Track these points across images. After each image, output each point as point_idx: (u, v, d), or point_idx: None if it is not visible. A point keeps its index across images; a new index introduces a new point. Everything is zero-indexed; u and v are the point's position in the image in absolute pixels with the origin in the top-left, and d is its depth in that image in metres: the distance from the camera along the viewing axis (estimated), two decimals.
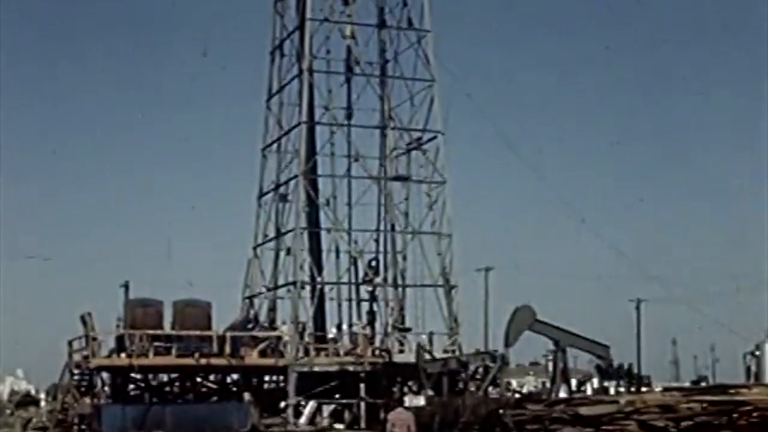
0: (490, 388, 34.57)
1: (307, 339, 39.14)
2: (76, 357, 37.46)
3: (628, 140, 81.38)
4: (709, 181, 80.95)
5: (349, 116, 42.44)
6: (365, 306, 41.67)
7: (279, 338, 38.62)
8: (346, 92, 42.52)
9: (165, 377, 40.03)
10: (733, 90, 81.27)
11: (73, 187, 78.55)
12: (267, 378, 40.48)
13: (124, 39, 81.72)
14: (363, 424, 36.47)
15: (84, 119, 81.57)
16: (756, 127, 72.81)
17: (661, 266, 67.58)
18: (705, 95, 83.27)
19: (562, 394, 32.87)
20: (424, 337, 39.98)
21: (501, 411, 27.17)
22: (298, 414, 36.91)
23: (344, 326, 41.00)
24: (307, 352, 38.42)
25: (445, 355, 37.90)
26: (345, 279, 41.98)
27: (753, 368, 44.33)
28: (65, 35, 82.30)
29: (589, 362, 42.64)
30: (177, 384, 40.07)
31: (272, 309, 42.54)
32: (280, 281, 42.51)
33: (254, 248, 44.16)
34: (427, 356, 37.00)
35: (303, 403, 37.05)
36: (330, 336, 40.23)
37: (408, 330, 40.88)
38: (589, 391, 38.78)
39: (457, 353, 38.63)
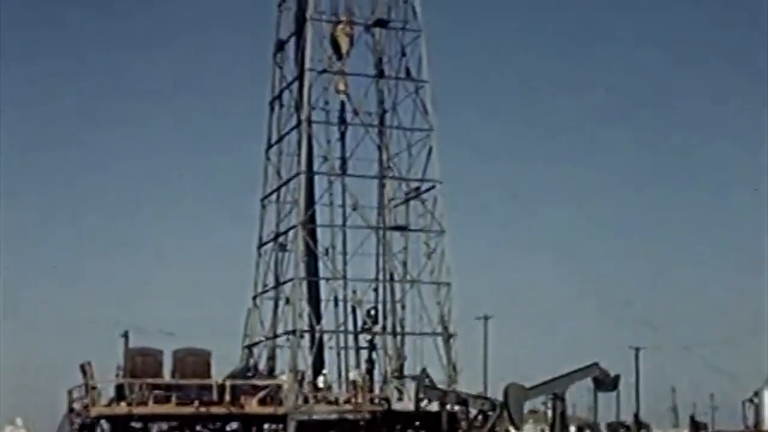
0: None
1: (306, 387, 39.20)
2: (76, 406, 37.50)
3: (627, 184, 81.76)
4: (706, 225, 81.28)
5: (344, 169, 42.68)
6: (364, 354, 41.78)
7: (278, 387, 38.67)
8: (342, 145, 42.88)
9: (165, 426, 39.99)
10: (735, 139, 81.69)
11: (73, 234, 78.66)
12: (266, 426, 40.41)
13: (123, 92, 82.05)
14: None
15: (84, 164, 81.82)
16: (756, 172, 73.18)
17: (659, 312, 67.64)
18: (706, 145, 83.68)
19: None
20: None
21: None
22: None
23: (326, 373, 40.87)
24: (306, 401, 38.47)
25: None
26: (344, 328, 42.12)
27: (751, 416, 44.41)
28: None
29: (589, 410, 42.72)
30: None
31: (271, 357, 42.63)
32: (280, 330, 42.64)
33: (254, 297, 44.35)
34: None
35: None
36: (320, 385, 40.21)
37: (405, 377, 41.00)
38: None
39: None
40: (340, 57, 42.26)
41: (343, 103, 42.60)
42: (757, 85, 76.02)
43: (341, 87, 42.28)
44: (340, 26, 42.17)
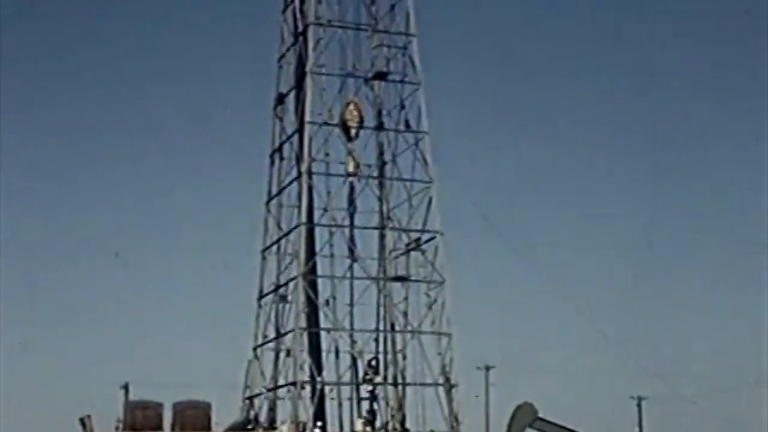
0: None
1: None
2: None
3: (627, 233, 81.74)
4: (709, 272, 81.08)
5: (351, 219, 42.87)
6: (366, 405, 41.68)
7: None
8: (348, 198, 42.95)
9: None
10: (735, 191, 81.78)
11: (72, 285, 78.66)
12: None
13: (124, 145, 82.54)
14: None
15: (84, 212, 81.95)
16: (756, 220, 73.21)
17: (661, 361, 67.41)
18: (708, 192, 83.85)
19: None
20: None
21: None
22: None
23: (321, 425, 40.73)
24: None
25: None
26: (345, 379, 42.06)
27: None
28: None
29: None
30: None
31: (272, 409, 42.51)
32: (280, 381, 42.57)
33: (254, 349, 44.34)
34: None
35: None
36: None
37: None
38: None
39: None
40: (349, 139, 42.57)
41: (352, 185, 42.70)
42: None
43: (351, 169, 42.44)
44: (350, 107, 42.49)
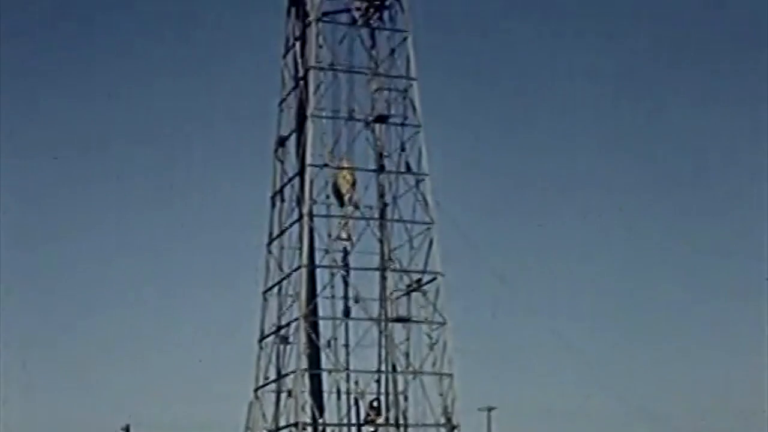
0: None
1: None
2: None
3: (627, 277, 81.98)
4: (708, 315, 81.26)
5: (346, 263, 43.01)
6: None
7: None
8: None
9: None
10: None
11: (72, 329, 78.70)
12: None
13: (125, 193, 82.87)
14: None
15: (82, 260, 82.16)
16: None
17: (663, 403, 67.38)
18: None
19: None
20: None
21: None
22: None
23: None
24: None
25: None
26: (347, 420, 42.10)
27: None
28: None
29: None
30: None
31: None
32: (282, 423, 42.62)
33: (255, 390, 44.41)
34: None
35: None
36: None
37: None
38: None
39: None
40: (342, 204, 42.85)
41: (345, 250, 42.86)
42: None
43: (343, 235, 42.71)
44: (343, 173, 42.79)
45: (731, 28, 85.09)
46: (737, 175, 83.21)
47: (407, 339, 42.61)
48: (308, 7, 44.79)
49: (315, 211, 42.60)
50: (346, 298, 42.64)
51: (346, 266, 43.03)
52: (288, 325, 43.34)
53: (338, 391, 42.18)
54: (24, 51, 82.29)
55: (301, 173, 43.36)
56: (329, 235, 43.09)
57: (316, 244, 42.75)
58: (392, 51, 44.50)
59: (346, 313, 42.59)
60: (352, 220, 42.79)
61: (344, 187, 42.79)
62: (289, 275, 43.67)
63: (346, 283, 42.89)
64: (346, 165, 43.06)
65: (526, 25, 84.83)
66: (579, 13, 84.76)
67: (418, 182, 43.37)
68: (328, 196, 43.30)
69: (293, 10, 46.53)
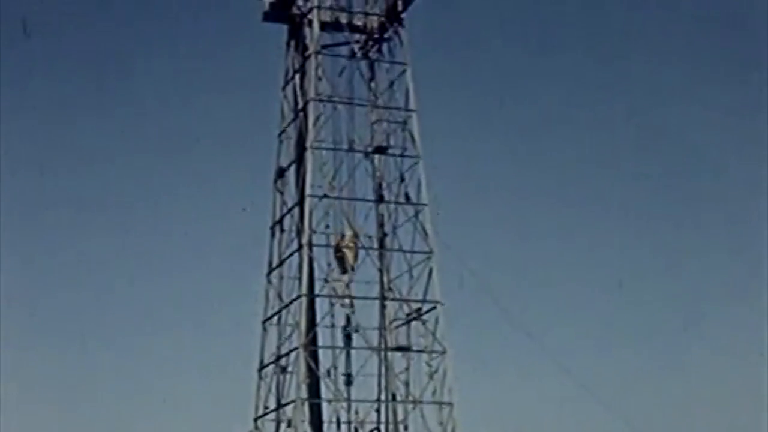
0: None
1: None
2: None
3: (628, 308, 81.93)
4: (711, 341, 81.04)
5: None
6: None
7: None
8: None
9: None
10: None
11: (72, 361, 78.57)
12: None
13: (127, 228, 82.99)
14: None
15: (82, 286, 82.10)
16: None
17: (668, 428, 67.22)
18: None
19: None
20: None
21: None
22: None
23: None
24: None
25: None
26: None
27: None
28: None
29: None
30: None
31: None
32: None
33: (255, 420, 44.53)
34: None
35: None
36: None
37: None
38: None
39: None
40: (344, 271, 42.96)
41: (348, 317, 42.90)
42: None
43: (347, 301, 42.86)
44: (346, 239, 42.98)
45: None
46: (736, 189, 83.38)
47: (407, 368, 42.81)
48: (308, 40, 45.35)
49: (314, 241, 42.89)
50: (348, 337, 42.88)
51: (348, 338, 43.03)
52: (288, 354, 43.52)
53: (338, 421, 42.31)
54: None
55: (300, 204, 43.69)
56: (329, 265, 43.38)
57: (316, 273, 43.08)
58: (391, 83, 45.03)
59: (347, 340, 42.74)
60: (354, 286, 42.84)
61: (348, 255, 42.92)
62: (288, 305, 43.89)
63: (349, 339, 42.80)
64: (348, 234, 43.12)
65: (525, 55, 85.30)
66: (579, 44, 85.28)
67: (417, 212, 43.72)
68: (327, 226, 43.62)
69: (292, 42, 47.07)
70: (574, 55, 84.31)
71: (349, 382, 42.22)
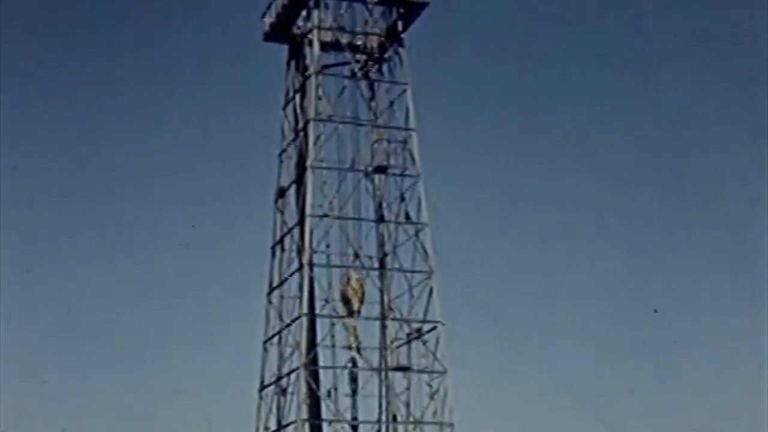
0: None
1: None
2: None
3: (628, 326, 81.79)
4: (712, 365, 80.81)
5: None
6: None
7: None
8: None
9: None
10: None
11: (73, 395, 78.40)
12: None
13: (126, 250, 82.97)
14: None
15: (83, 310, 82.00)
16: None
17: None
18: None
19: None
20: None
21: None
22: None
23: None
24: None
25: None
26: None
27: None
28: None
29: None
30: None
31: None
32: None
33: None
34: None
35: None
36: None
37: None
38: None
39: None
40: (350, 314, 42.79)
41: (353, 359, 42.72)
42: None
43: (352, 342, 42.63)
44: (352, 282, 42.79)
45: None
46: (736, 205, 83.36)
47: (407, 388, 42.71)
48: (308, 60, 45.48)
49: (315, 261, 42.86)
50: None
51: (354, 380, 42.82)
52: (288, 374, 43.43)
53: None
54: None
55: (300, 223, 43.68)
56: (329, 285, 43.35)
57: (316, 293, 43.03)
58: (391, 103, 45.10)
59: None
60: (358, 328, 42.50)
61: (353, 298, 42.74)
62: (289, 325, 43.82)
63: (354, 380, 42.61)
64: (354, 277, 42.95)
65: (525, 75, 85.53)
66: (578, 61, 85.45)
67: (417, 232, 43.70)
68: (328, 245, 43.60)
69: (293, 62, 47.21)
70: (573, 73, 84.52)
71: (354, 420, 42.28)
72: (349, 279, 42.72)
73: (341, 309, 42.69)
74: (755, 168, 76.54)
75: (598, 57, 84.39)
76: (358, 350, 42.52)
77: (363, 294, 42.87)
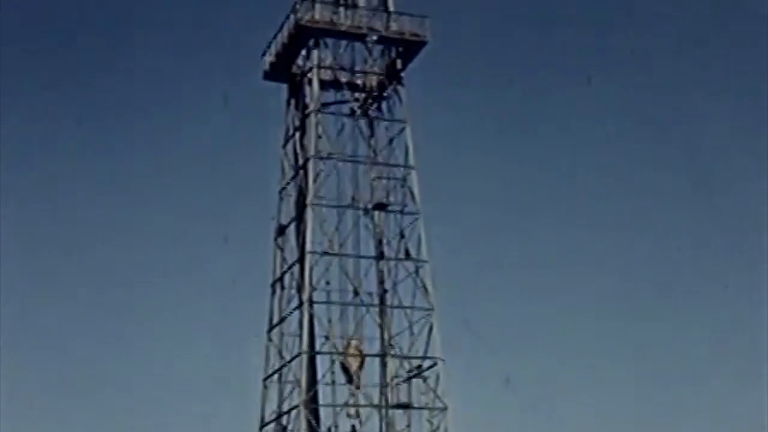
0: None
1: None
2: None
3: (630, 361, 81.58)
4: (713, 398, 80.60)
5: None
6: None
7: None
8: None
9: None
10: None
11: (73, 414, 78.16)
12: None
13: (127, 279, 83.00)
14: None
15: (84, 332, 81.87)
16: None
17: None
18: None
19: None
20: None
21: None
22: None
23: None
24: None
25: None
26: None
27: None
28: None
29: None
30: None
31: None
32: None
33: None
34: None
35: None
36: None
37: None
38: None
39: None
40: (350, 380, 42.78)
41: (354, 427, 42.56)
42: None
43: (352, 411, 42.58)
44: (350, 350, 42.85)
45: None
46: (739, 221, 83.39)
47: (408, 425, 42.63)
48: (307, 98, 45.79)
49: (315, 298, 42.93)
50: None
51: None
52: (289, 412, 43.37)
53: None
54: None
55: (301, 260, 43.79)
56: (329, 321, 43.35)
57: (316, 330, 43.06)
58: (391, 140, 45.34)
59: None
60: (360, 396, 42.50)
61: (352, 367, 42.72)
62: (289, 362, 43.82)
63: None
64: (353, 343, 42.97)
65: (524, 111, 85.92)
66: (573, 97, 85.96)
67: (417, 269, 43.80)
68: (328, 282, 43.65)
69: (293, 100, 47.53)
70: (573, 111, 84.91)
71: None
72: (349, 344, 42.76)
73: (341, 346, 42.72)
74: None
75: (597, 97, 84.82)
76: (358, 415, 42.40)
77: (363, 359, 42.83)
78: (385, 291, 44.40)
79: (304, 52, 46.07)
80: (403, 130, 45.16)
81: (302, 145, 45.72)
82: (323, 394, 43.03)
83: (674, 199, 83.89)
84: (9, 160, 75.63)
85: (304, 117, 45.72)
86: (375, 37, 45.04)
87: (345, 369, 42.73)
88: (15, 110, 77.76)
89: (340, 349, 42.73)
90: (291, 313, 44.53)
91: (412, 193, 44.43)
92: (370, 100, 46.02)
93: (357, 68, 46.13)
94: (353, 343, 42.85)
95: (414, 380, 42.89)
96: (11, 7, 76.15)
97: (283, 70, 47.30)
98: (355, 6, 45.63)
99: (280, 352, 45.08)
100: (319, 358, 43.12)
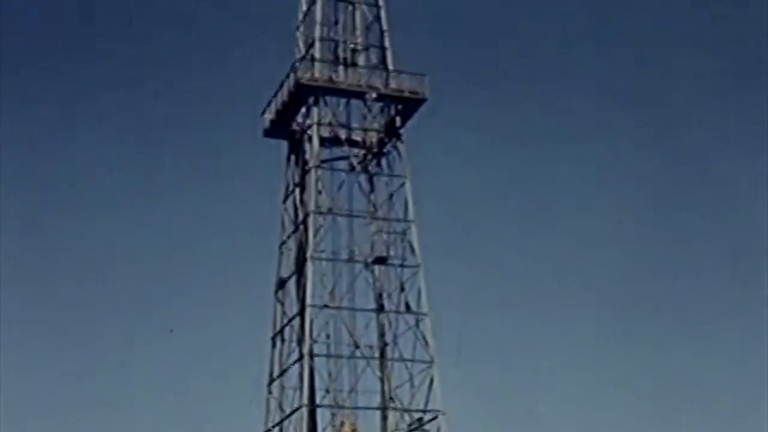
0: None
1: None
2: None
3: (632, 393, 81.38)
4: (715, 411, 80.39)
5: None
6: None
7: None
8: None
9: None
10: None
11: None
12: None
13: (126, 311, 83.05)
14: None
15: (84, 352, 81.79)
16: None
17: None
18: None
19: None
20: None
21: None
22: None
23: None
24: None
25: None
26: None
27: None
28: None
29: None
30: None
31: None
32: None
33: None
34: None
35: None
36: None
37: None
38: None
39: None
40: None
41: None
42: None
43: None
44: (346, 428, 42.81)
45: None
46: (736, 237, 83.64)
47: None
48: (307, 155, 46.38)
49: (315, 351, 43.20)
50: None
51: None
52: None
53: None
54: None
55: (301, 314, 44.15)
56: (329, 374, 43.60)
57: (317, 383, 43.29)
58: (390, 195, 45.84)
59: None
60: None
61: None
62: (290, 415, 44.00)
63: None
64: (348, 422, 42.92)
65: (523, 164, 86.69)
66: (569, 146, 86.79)
67: (417, 321, 44.14)
68: (328, 335, 43.94)
69: (293, 157, 48.14)
70: (572, 162, 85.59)
71: None
72: (342, 423, 42.89)
73: (342, 399, 42.97)
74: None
75: (598, 149, 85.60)
76: None
77: None
78: (386, 344, 44.69)
79: (304, 110, 46.75)
80: (402, 185, 45.70)
81: (302, 201, 46.27)
82: None
83: (674, 214, 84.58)
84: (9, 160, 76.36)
85: (304, 173, 46.29)
86: (374, 95, 45.75)
87: None
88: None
89: (341, 403, 42.99)
90: (291, 366, 44.80)
91: (411, 247, 44.88)
92: (369, 156, 46.59)
93: (356, 125, 46.76)
94: (347, 422, 42.83)
95: None
96: None
97: (283, 127, 47.96)
98: (354, 64, 46.41)
99: (280, 405, 45.27)
100: (319, 411, 43.36)
